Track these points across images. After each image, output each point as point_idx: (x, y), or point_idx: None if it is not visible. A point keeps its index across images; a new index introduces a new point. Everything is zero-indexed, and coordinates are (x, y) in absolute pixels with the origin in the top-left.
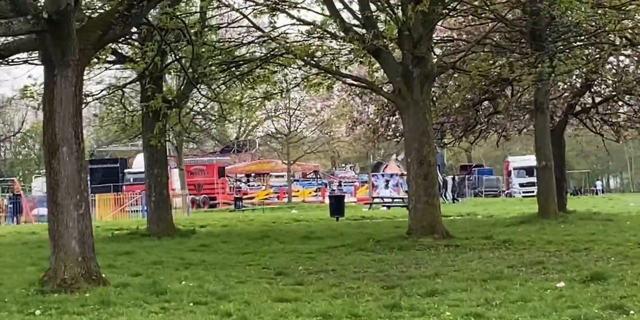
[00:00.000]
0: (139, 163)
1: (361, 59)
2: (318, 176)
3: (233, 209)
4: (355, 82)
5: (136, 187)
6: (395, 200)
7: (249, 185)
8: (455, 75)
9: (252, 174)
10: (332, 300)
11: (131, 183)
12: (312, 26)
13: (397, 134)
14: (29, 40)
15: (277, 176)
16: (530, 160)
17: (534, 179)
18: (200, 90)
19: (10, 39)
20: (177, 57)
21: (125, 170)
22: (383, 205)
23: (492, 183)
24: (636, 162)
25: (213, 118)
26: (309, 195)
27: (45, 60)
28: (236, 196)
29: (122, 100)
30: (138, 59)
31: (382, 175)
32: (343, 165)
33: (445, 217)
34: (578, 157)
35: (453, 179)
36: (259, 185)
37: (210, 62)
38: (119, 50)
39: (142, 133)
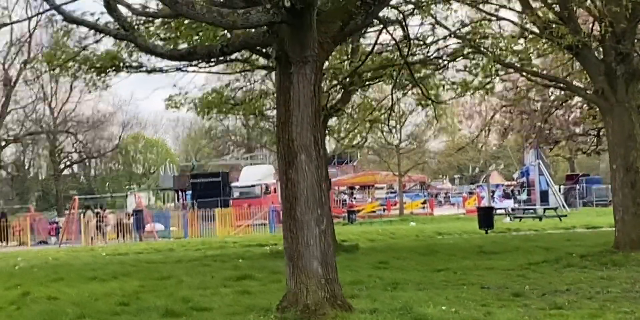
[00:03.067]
0: (246, 177)
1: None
2: (424, 188)
3: (346, 222)
4: (550, 83)
5: (243, 202)
6: (526, 211)
7: (354, 198)
8: None
9: (356, 187)
10: None
11: (238, 197)
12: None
13: (550, 141)
14: (257, 35)
15: (377, 188)
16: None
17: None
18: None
19: (234, 33)
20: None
21: (232, 184)
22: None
23: (601, 192)
24: None
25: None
26: (416, 208)
27: (280, 57)
28: (349, 209)
29: None
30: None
31: (488, 185)
32: (441, 176)
33: (595, 228)
34: None
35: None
36: (363, 198)
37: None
38: None
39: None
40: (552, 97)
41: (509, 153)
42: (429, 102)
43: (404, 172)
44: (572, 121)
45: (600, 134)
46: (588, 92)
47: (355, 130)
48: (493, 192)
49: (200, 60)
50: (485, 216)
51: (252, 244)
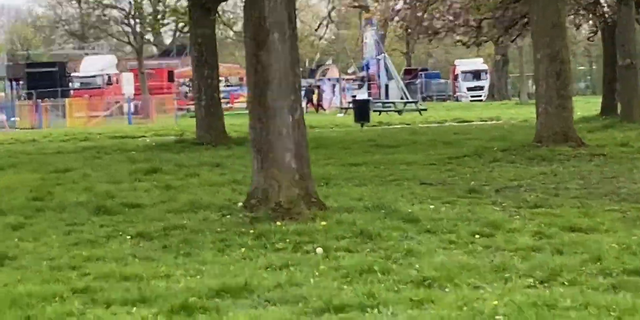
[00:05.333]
0: (87, 67)
1: None
2: None
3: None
4: None
5: (85, 93)
6: (385, 104)
7: None
8: None
9: None
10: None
11: (79, 88)
12: None
13: (430, 32)
14: None
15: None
16: (477, 63)
17: (481, 83)
18: None
19: None
20: None
21: (72, 74)
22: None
23: (441, 87)
24: None
25: None
26: None
27: None
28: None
29: None
30: None
31: (329, 79)
32: None
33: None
34: None
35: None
36: None
37: None
38: None
39: (191, 27)
40: None
41: (346, 47)
42: None
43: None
44: (452, 13)
45: (481, 25)
46: None
47: None
48: (334, 86)
49: None
50: (361, 109)
51: (119, 136)
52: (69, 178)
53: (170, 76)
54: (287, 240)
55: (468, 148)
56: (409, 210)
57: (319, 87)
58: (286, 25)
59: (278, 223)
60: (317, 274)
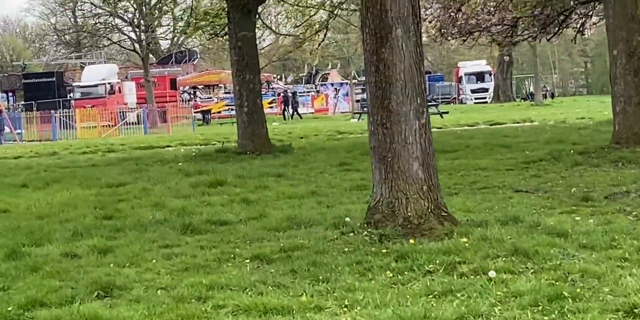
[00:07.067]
0: (89, 76)
1: None
2: (271, 87)
3: (202, 123)
4: None
5: (86, 102)
6: None
7: (199, 98)
8: None
9: (200, 86)
10: None
11: (80, 98)
12: None
13: (464, 32)
14: None
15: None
16: (481, 65)
17: (485, 85)
18: None
19: None
20: None
21: (74, 84)
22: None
23: (446, 90)
24: None
25: None
26: (265, 107)
27: None
28: (204, 109)
29: None
30: None
31: (332, 84)
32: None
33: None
34: None
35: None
36: (209, 98)
37: None
38: None
39: (230, 30)
40: None
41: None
42: None
43: None
44: (486, 11)
45: (517, 24)
46: None
47: None
48: (337, 90)
49: None
50: None
51: (143, 147)
52: (128, 193)
53: (173, 84)
54: (436, 261)
55: (537, 152)
56: (550, 223)
57: (294, 93)
58: (410, 19)
59: (411, 241)
60: (494, 301)
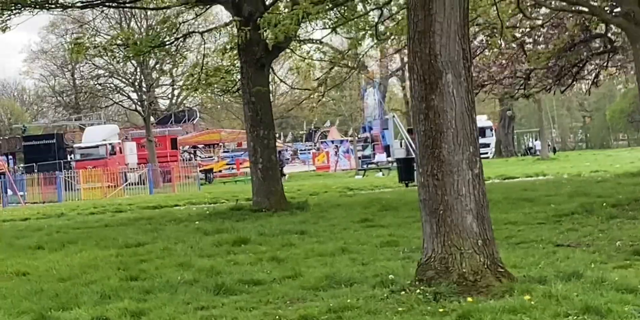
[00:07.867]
0: (90, 137)
1: None
2: None
3: (204, 182)
4: (568, 9)
5: (87, 164)
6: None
7: (200, 157)
8: None
9: (200, 145)
10: None
11: (81, 159)
12: None
13: (475, 84)
14: None
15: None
16: (482, 121)
17: (487, 140)
18: None
19: None
20: None
21: (74, 145)
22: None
23: None
24: None
25: None
26: None
27: None
28: (206, 169)
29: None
30: None
31: (332, 141)
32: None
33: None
34: None
35: None
36: (210, 157)
37: None
38: None
39: (243, 86)
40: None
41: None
42: None
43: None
44: (498, 64)
45: (530, 76)
46: (614, 15)
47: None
48: (337, 147)
49: None
50: (406, 168)
51: (152, 206)
52: (149, 253)
53: (174, 144)
54: None
55: (565, 205)
56: (615, 278)
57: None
58: (461, 64)
59: (469, 299)
60: None
